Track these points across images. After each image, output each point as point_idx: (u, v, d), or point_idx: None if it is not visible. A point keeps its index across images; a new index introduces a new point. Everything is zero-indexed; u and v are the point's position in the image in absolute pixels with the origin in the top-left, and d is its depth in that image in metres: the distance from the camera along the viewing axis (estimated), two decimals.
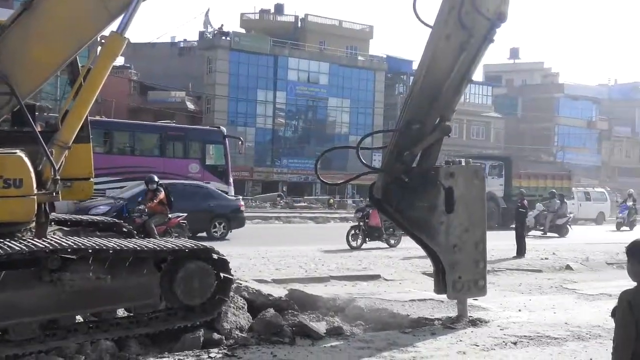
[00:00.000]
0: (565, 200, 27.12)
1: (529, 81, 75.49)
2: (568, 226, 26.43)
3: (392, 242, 18.74)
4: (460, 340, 7.61)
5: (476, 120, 64.19)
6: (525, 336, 7.90)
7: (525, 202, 18.99)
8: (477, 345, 7.40)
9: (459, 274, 8.44)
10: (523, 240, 17.45)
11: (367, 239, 18.44)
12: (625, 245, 3.84)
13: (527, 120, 69.31)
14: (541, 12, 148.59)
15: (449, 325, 8.34)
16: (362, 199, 23.84)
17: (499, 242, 17.68)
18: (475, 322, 8.50)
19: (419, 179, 8.35)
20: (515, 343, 7.58)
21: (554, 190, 27.73)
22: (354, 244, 18.18)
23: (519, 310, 9.68)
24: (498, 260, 15.50)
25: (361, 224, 18.58)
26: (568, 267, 15.27)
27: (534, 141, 68.20)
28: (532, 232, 24.77)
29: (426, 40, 8.35)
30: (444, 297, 10.22)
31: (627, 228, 31.25)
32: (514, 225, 24.23)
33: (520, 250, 17.17)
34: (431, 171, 8.43)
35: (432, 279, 12.60)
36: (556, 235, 25.54)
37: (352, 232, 18.48)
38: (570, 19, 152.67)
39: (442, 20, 8.18)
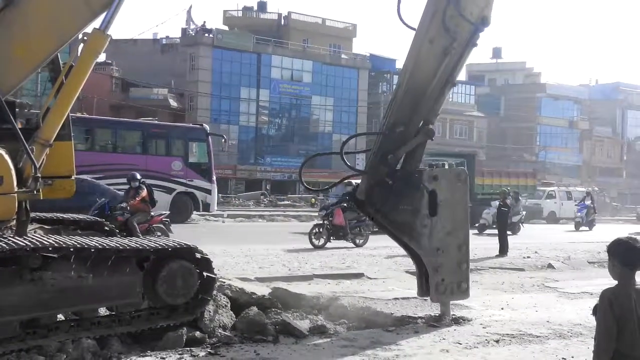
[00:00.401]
0: (519, 197, 26.48)
1: (512, 81, 76.00)
2: (520, 224, 26.03)
3: (359, 241, 18.38)
4: (444, 339, 7.64)
5: (459, 120, 64.53)
6: (507, 334, 7.95)
7: (508, 201, 19.09)
8: (460, 344, 7.43)
9: (442, 277, 8.47)
10: (505, 239, 17.54)
11: (331, 238, 18.06)
12: (606, 244, 3.87)
13: (510, 119, 69.78)
14: (523, 12, 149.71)
15: (432, 323, 8.37)
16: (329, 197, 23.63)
17: (482, 241, 17.77)
18: (458, 321, 8.54)
19: (402, 181, 8.38)
20: (497, 341, 7.62)
21: (505, 189, 25.28)
22: (316, 242, 17.73)
23: (502, 309, 9.73)
24: (481, 259, 15.57)
25: (325, 222, 18.29)
26: (550, 266, 15.39)
27: (516, 140, 68.69)
28: (488, 230, 24.78)
29: (410, 43, 8.38)
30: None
31: (586, 228, 30.79)
32: (478, 224, 24.37)
33: (503, 249, 17.27)
34: (415, 174, 8.47)
35: (416, 277, 12.74)
36: (509, 232, 25.07)
37: (315, 230, 18.07)
38: (552, 19, 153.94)
39: (426, 23, 8.22)
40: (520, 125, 69.10)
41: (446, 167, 24.41)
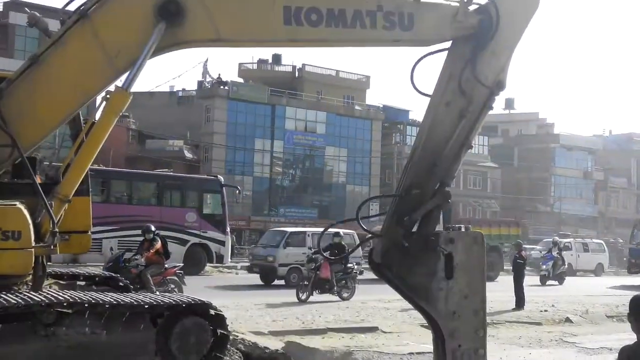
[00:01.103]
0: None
1: (525, 131, 76.10)
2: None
3: (345, 295, 17.88)
4: None
5: (473, 170, 64.50)
6: None
7: (524, 252, 18.93)
8: None
9: (458, 342, 8.39)
10: (522, 292, 17.32)
11: (316, 291, 17.53)
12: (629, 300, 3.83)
13: (524, 170, 69.64)
14: (536, 63, 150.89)
15: None
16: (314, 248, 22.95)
17: (498, 294, 17.54)
18: None
19: (418, 244, 8.40)
20: None
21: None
22: (302, 297, 17.16)
23: None
24: (497, 312, 15.37)
25: (311, 275, 17.71)
26: (568, 320, 15.15)
27: (530, 191, 68.39)
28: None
29: (426, 107, 8.52)
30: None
31: (555, 282, 28.11)
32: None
33: (520, 302, 17.04)
34: (431, 237, 8.49)
35: (431, 331, 12.57)
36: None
37: (301, 283, 17.76)
38: (565, 70, 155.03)
39: (442, 87, 8.38)
40: (534, 176, 68.91)
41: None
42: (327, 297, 17.63)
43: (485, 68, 8.45)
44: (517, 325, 14.22)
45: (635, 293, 3.87)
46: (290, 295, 17.53)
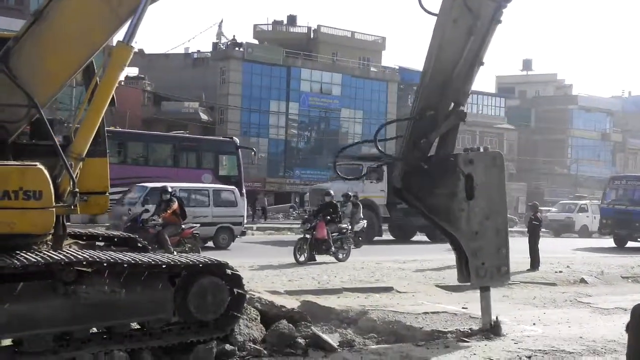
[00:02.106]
0: (358, 202, 22.66)
1: (542, 93, 75.25)
2: (359, 239, 21.95)
3: (341, 256, 17.30)
4: (474, 354, 7.58)
5: (489, 132, 64.05)
6: (539, 350, 7.86)
7: (539, 214, 18.87)
8: (492, 359, 7.37)
9: (481, 261, 8.45)
10: (537, 253, 17.34)
11: (314, 253, 16.90)
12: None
13: (541, 132, 69.04)
14: (554, 23, 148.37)
15: (463, 338, 8.31)
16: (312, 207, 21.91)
17: (512, 254, 17.53)
18: (489, 336, 8.47)
19: (437, 166, 8.38)
20: (529, 357, 7.55)
21: (349, 193, 22.41)
22: (301, 259, 16.47)
23: (533, 324, 9.63)
24: (512, 273, 15.37)
25: (307, 236, 16.95)
26: (582, 281, 15.18)
27: (547, 153, 67.91)
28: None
29: (433, 28, 8.37)
30: (457, 310, 10.21)
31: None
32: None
33: (534, 263, 17.07)
34: (450, 158, 8.45)
35: (445, 291, 12.67)
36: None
37: (299, 245, 16.74)
38: (584, 31, 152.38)
39: (448, 5, 8.23)
40: (551, 138, 68.32)
41: (363, 170, 22.76)
42: (324, 258, 16.92)
43: None
44: (531, 285, 14.27)
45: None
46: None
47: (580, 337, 8.71)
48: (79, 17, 6.60)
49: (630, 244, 27.20)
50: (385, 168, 22.49)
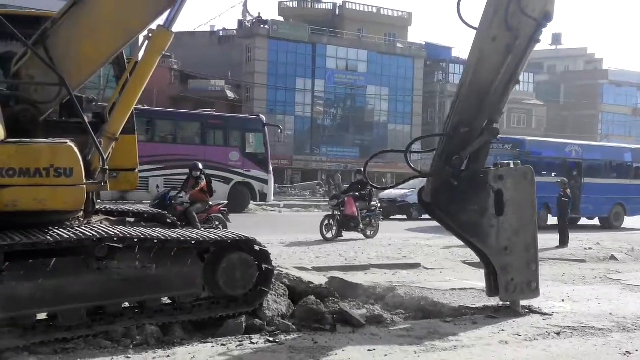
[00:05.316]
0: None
1: (572, 68, 74.09)
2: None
3: (369, 233, 17.29)
4: (503, 330, 7.57)
5: (517, 108, 63.34)
6: (568, 327, 7.82)
7: (569, 190, 18.67)
8: (520, 335, 7.35)
9: (511, 276, 8.43)
10: (566, 230, 17.19)
11: (342, 230, 16.89)
12: None
13: (570, 107, 68.09)
14: None
15: (491, 314, 8.30)
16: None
17: (541, 233, 17.36)
18: (517, 312, 8.45)
19: (468, 182, 8.35)
20: (558, 333, 7.51)
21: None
22: (328, 235, 16.52)
23: (562, 301, 9.57)
24: (540, 250, 15.17)
25: (336, 212, 17.03)
26: (613, 258, 15.03)
27: (577, 129, 66.95)
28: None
29: (472, 41, 8.33)
30: (485, 286, 10.18)
31: None
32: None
33: (564, 240, 16.94)
34: (480, 174, 8.42)
35: (473, 267, 12.63)
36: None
37: (326, 222, 16.72)
38: (614, 3, 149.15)
39: (488, 22, 8.17)
40: (581, 113, 67.36)
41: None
42: (352, 235, 16.97)
43: (531, 0, 8.19)
44: (560, 262, 14.17)
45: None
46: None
47: (610, 314, 8.64)
48: (118, 3, 6.64)
49: None
50: None
